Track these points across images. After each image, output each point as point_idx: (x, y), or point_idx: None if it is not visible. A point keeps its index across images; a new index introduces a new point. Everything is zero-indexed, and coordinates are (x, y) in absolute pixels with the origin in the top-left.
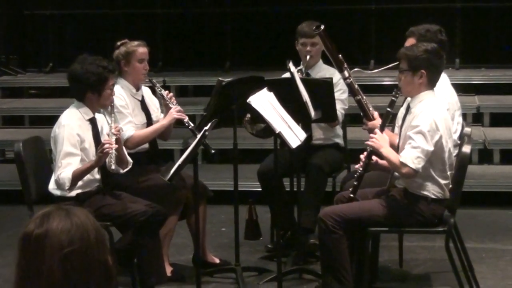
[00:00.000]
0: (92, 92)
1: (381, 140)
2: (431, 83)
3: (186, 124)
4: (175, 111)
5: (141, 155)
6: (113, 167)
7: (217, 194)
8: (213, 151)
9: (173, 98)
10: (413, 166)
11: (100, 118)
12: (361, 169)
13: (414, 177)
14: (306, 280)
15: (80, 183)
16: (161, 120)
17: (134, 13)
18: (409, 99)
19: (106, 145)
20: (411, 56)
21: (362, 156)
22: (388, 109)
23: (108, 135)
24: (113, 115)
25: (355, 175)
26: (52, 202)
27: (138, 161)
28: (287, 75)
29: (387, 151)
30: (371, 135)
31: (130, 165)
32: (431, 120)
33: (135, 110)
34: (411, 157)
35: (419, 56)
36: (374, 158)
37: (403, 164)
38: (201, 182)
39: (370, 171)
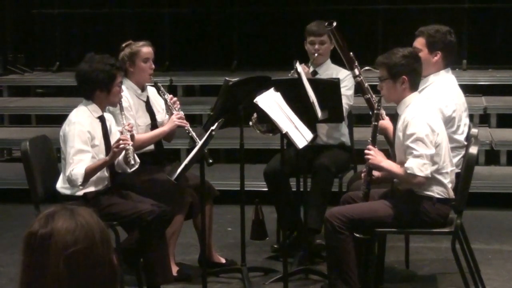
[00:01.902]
0: (101, 90)
1: (377, 154)
2: (414, 87)
3: (187, 131)
4: (176, 118)
5: (146, 155)
6: (132, 162)
7: (224, 194)
8: (211, 161)
9: (177, 103)
10: (422, 174)
11: (108, 117)
12: (365, 188)
13: (424, 184)
14: (312, 280)
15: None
16: (164, 124)
17: (141, 12)
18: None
19: (122, 142)
20: (390, 64)
21: (363, 175)
22: (375, 122)
23: (122, 132)
24: (123, 113)
25: (361, 194)
26: (59, 201)
27: (143, 161)
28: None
29: (388, 164)
30: (366, 151)
31: (137, 165)
32: (425, 123)
33: (139, 111)
34: (417, 166)
35: (398, 62)
36: (374, 173)
37: (412, 175)
38: (208, 182)
39: (374, 184)
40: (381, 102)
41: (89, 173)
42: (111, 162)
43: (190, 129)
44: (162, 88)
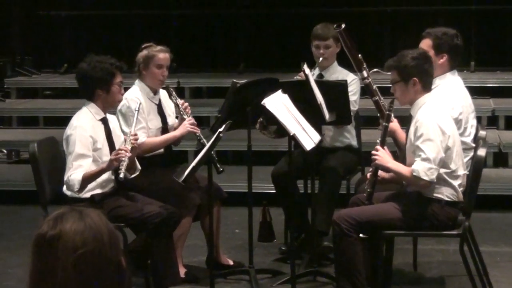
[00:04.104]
0: (100, 89)
1: (384, 156)
2: (426, 88)
3: (198, 138)
4: (188, 123)
5: (156, 158)
6: (121, 175)
7: (231, 196)
8: (221, 169)
9: (188, 108)
10: (427, 178)
11: (111, 119)
12: (369, 188)
13: (429, 187)
14: (320, 282)
15: (94, 184)
16: (175, 128)
17: (148, 14)
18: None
19: (122, 152)
20: (400, 66)
21: (368, 175)
22: (386, 123)
23: (125, 140)
24: (136, 118)
25: (364, 194)
26: (66, 203)
27: (153, 164)
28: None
29: (394, 165)
30: (373, 152)
31: (138, 172)
32: (435, 125)
33: (150, 114)
34: (423, 170)
35: (408, 64)
36: (380, 174)
37: (417, 178)
38: (215, 184)
39: (380, 184)
40: (393, 104)
41: (86, 180)
42: (108, 171)
43: (201, 136)
44: (174, 93)
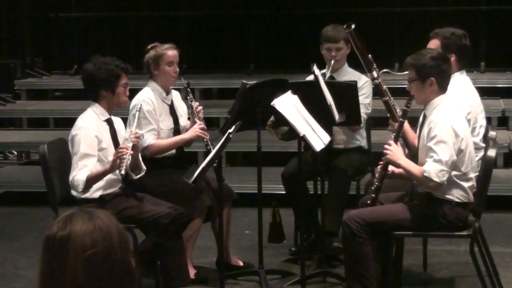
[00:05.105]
0: (105, 89)
1: (396, 151)
2: (442, 88)
3: (205, 143)
4: (198, 128)
5: (168, 160)
6: (122, 172)
7: (241, 197)
8: (223, 180)
9: (201, 112)
10: (437, 180)
11: (117, 120)
12: (377, 181)
13: (439, 189)
14: (329, 283)
15: (101, 183)
16: (187, 130)
17: (158, 15)
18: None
19: (123, 150)
20: (418, 65)
21: (378, 168)
22: (401, 119)
23: (126, 139)
24: (137, 119)
25: (372, 187)
26: (76, 204)
27: (165, 165)
28: (311, 77)
29: (406, 163)
30: (386, 146)
31: (143, 172)
32: (449, 127)
33: (162, 114)
34: (435, 171)
35: (427, 64)
36: (390, 168)
37: (428, 179)
38: (226, 185)
39: (389, 179)
40: (412, 100)
41: (90, 181)
42: (112, 171)
43: (209, 142)
44: (190, 95)
